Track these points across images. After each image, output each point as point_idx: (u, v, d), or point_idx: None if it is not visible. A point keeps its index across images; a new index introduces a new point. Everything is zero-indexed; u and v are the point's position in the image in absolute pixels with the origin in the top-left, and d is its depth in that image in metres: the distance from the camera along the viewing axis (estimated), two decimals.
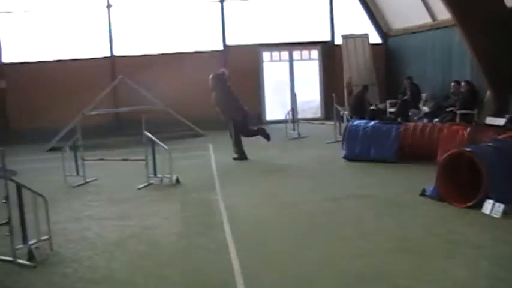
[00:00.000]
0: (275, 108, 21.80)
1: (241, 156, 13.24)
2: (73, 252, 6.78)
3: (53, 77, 20.49)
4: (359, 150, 12.31)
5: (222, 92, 13.14)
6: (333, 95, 16.60)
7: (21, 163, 14.25)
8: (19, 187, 6.43)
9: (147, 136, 10.78)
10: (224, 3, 21.76)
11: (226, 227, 7.58)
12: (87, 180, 11.34)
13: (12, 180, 6.44)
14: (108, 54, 21.52)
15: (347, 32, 21.66)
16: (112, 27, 21.45)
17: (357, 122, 13.42)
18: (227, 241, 6.91)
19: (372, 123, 12.85)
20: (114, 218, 8.51)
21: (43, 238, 6.67)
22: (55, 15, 21.15)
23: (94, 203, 9.66)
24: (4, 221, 6.27)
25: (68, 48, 21.13)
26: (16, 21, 21.17)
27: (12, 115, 20.96)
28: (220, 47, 21.81)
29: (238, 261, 6.11)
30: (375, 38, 22.48)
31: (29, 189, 6.54)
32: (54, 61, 20.99)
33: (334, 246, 6.57)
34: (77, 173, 11.39)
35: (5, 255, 6.40)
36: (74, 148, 11.56)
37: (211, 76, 13.30)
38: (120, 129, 20.03)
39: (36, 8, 21.10)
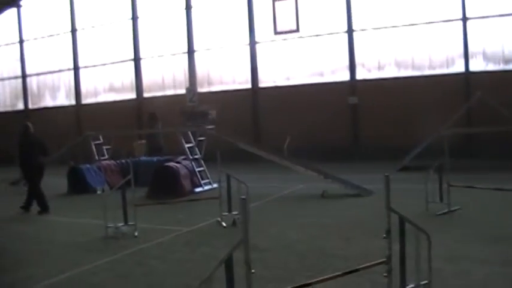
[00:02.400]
0: None
1: None
2: None
3: (400, 94, 20.06)
4: None
5: None
6: None
7: (372, 181, 13.86)
8: (402, 220, 5.60)
9: None
10: None
11: None
12: (452, 208, 10.12)
13: (395, 212, 5.64)
14: (462, 70, 20.16)
15: None
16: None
17: None
18: None
19: None
20: (496, 262, 7.07)
21: (422, 283, 5.70)
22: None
23: (467, 238, 8.34)
24: (382, 259, 5.47)
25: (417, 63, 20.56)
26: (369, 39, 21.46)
27: (362, 131, 21.26)
28: None
29: None
30: None
31: (412, 223, 5.65)
32: (401, 78, 20.59)
33: None
34: (441, 199, 10.27)
35: None
36: (438, 170, 10.47)
37: None
38: (470, 150, 18.44)
39: None
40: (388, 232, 5.41)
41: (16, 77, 32.91)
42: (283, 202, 13.09)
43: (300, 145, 19.47)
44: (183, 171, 15.20)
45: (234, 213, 10.28)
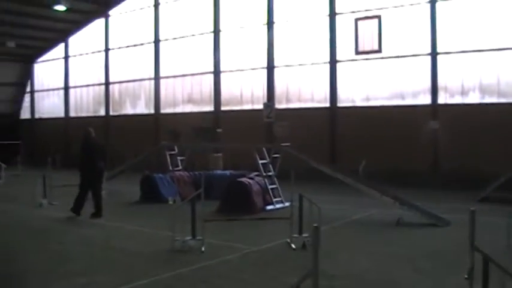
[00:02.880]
0: None
1: None
2: None
3: (483, 121, 19.24)
4: None
5: None
6: None
7: (450, 211, 13.37)
8: (486, 260, 5.18)
9: None
10: None
11: None
12: None
13: (479, 251, 5.24)
14: None
15: None
16: None
17: None
18: None
19: None
20: None
21: None
22: None
23: None
24: None
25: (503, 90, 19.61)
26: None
27: (441, 157, 20.53)
28: None
29: None
30: None
31: (498, 265, 5.21)
32: (486, 104, 19.75)
33: None
34: None
35: None
36: None
37: None
38: None
39: None
40: (471, 272, 5.04)
41: (100, 84, 34.16)
42: (355, 227, 12.74)
43: (376, 168, 19.01)
44: (255, 187, 15.08)
45: (304, 235, 10.05)
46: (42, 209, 15.17)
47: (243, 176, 16.03)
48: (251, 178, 15.59)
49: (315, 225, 4.31)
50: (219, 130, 20.06)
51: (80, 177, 13.96)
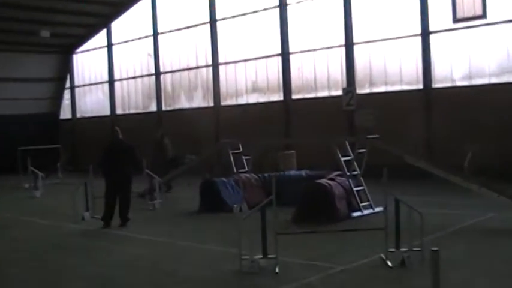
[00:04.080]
0: None
1: None
2: None
3: None
4: None
5: None
6: None
7: None
8: None
9: None
10: None
11: None
12: None
13: None
14: None
15: None
16: None
17: None
18: None
19: None
20: None
21: None
22: None
23: None
24: None
25: None
26: None
27: None
28: None
29: None
30: None
31: None
32: None
33: None
34: None
35: None
36: None
37: None
38: None
39: None
40: None
41: (149, 75, 34.31)
42: (468, 236, 11.87)
43: (486, 162, 18.24)
44: (338, 190, 14.48)
45: (403, 249, 9.37)
46: (83, 224, 15.18)
47: (322, 176, 15.51)
48: (332, 179, 15.06)
49: (434, 248, 3.56)
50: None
51: (105, 184, 14.50)
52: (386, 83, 24.30)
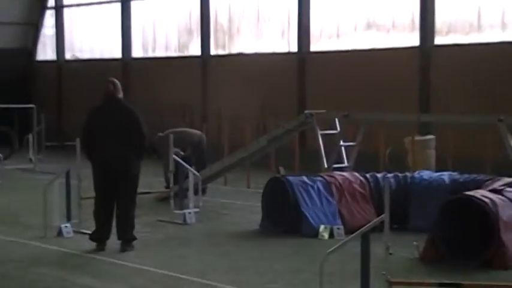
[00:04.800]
0: None
1: None
2: None
3: None
4: None
5: None
6: None
7: None
8: None
9: None
10: None
11: None
12: None
13: None
14: None
15: None
16: None
17: None
18: None
19: None
20: None
21: None
22: None
23: None
24: None
25: None
26: None
27: None
28: None
29: None
30: None
31: None
32: None
33: None
34: None
35: None
36: None
37: None
38: None
39: None
40: None
41: None
42: None
43: None
44: (506, 212, 12.30)
45: None
46: (61, 243, 13.25)
47: (479, 186, 13.92)
48: (497, 191, 13.05)
49: None
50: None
51: (93, 177, 12.85)
52: None
